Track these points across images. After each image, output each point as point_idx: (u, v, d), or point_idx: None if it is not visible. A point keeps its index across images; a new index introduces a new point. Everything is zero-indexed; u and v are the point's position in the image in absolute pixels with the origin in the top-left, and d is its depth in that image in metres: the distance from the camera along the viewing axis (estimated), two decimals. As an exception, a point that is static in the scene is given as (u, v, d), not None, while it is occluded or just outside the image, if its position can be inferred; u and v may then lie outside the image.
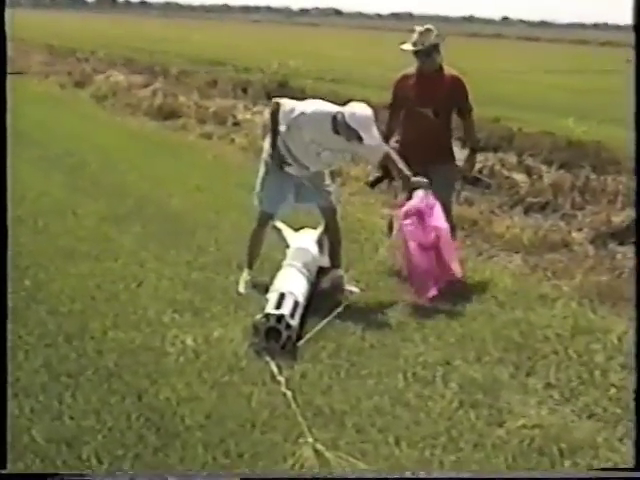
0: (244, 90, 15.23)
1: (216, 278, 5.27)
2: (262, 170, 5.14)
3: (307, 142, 4.84)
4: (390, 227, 5.66)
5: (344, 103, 4.87)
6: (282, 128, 4.86)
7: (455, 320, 4.67)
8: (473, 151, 5.57)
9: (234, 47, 24.74)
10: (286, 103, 4.88)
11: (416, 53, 5.34)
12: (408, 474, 3.16)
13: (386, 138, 5.39)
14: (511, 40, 63.82)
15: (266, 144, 5.12)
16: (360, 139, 4.70)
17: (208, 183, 8.19)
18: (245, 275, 5.14)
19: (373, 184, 5.76)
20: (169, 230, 6.36)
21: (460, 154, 5.68)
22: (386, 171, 5.36)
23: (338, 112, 4.76)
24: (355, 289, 5.11)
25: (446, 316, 4.72)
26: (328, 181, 5.18)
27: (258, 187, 5.15)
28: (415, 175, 4.95)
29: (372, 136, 4.73)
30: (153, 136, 11.53)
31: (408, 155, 5.20)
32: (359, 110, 4.73)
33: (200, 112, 12.85)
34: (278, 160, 4.98)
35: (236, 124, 12.01)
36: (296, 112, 4.80)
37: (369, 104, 4.87)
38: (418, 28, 5.34)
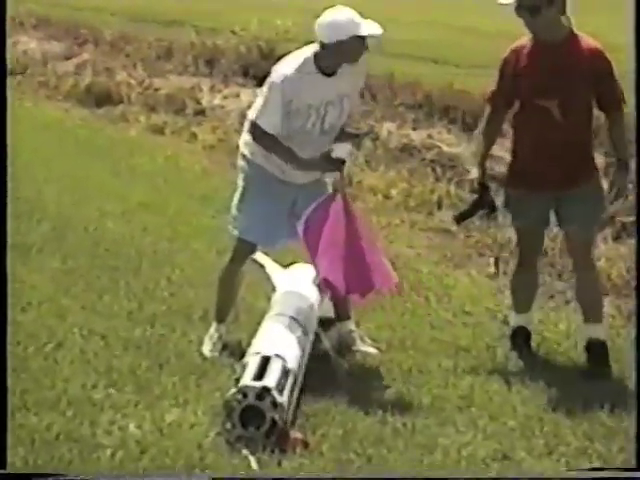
0: (210, 63, 15.32)
1: (170, 336, 5.28)
2: (241, 181, 5.08)
3: (306, 116, 4.82)
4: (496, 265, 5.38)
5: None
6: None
7: (516, 394, 4.68)
8: (623, 165, 5.06)
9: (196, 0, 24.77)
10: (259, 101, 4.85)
11: (518, 9, 4.86)
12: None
13: (486, 147, 5.16)
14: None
15: (242, 142, 5.09)
16: (348, 55, 4.85)
17: (158, 198, 8.23)
18: (213, 331, 5.16)
19: (461, 218, 5.42)
20: (101, 266, 6.39)
21: None
22: (480, 201, 5.14)
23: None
24: (371, 350, 5.14)
25: (502, 388, 4.73)
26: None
27: (235, 209, 5.09)
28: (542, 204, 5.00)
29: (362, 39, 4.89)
30: (79, 129, 11.59)
31: (527, 171, 5.00)
32: (337, 15, 4.91)
33: (147, 95, 12.92)
34: (297, 160, 4.84)
35: (199, 112, 12.08)
36: (278, 81, 4.76)
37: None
38: None
